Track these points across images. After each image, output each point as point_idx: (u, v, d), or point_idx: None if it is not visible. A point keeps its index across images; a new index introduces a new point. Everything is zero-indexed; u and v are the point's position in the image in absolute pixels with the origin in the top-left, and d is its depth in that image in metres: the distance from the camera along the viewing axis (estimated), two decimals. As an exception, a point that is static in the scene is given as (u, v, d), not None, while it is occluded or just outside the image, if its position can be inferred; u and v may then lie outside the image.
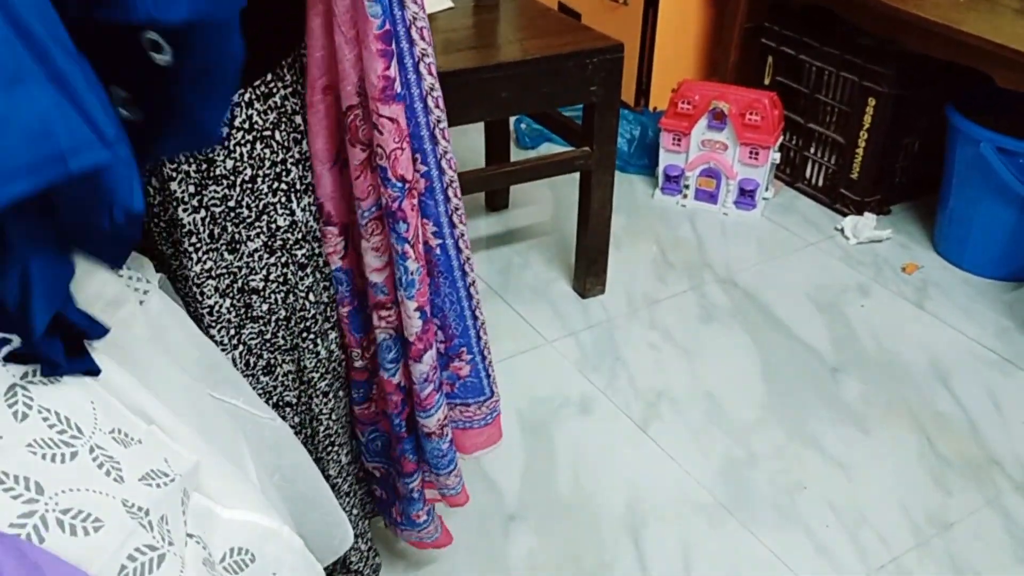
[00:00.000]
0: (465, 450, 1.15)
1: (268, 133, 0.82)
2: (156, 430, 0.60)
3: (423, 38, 0.86)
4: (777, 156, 2.08)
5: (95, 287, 0.68)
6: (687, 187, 2.14)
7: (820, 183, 2.18)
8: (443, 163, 0.95)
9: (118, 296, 0.69)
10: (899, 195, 2.15)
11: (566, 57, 1.53)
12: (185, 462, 0.62)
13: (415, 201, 0.90)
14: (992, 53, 1.64)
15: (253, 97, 0.80)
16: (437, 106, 0.91)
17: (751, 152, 2.04)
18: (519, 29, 1.67)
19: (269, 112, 0.82)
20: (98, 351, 0.59)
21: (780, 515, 1.38)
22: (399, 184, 0.87)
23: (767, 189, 2.11)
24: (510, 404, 1.56)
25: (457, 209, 0.98)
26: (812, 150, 2.17)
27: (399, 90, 0.83)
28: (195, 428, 0.62)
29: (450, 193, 0.97)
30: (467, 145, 2.30)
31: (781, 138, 2.10)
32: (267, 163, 0.83)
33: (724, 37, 2.26)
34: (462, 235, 1.00)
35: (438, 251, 0.97)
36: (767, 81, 2.21)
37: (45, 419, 0.52)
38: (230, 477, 0.66)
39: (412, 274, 0.92)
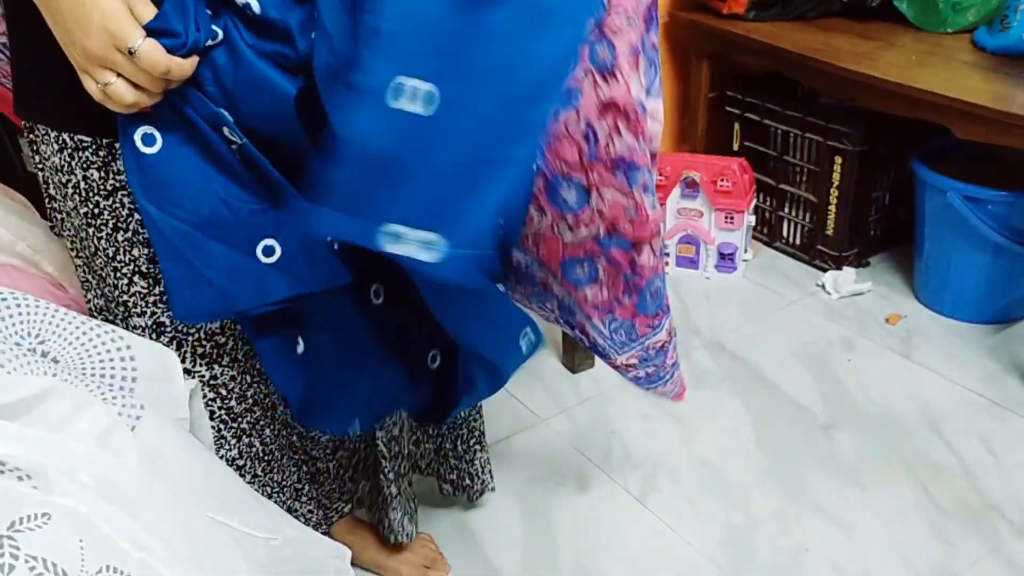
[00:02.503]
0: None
1: None
2: (148, 557, 0.61)
3: None
4: (752, 219, 2.13)
5: (87, 420, 0.70)
6: (668, 255, 2.18)
7: (797, 241, 2.22)
8: None
9: (110, 426, 0.72)
10: (875, 247, 2.19)
11: (536, 143, 1.58)
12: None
13: None
14: (947, 107, 1.69)
15: None
16: None
17: (726, 217, 2.09)
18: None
19: None
20: (89, 487, 0.61)
21: (784, 580, 1.38)
22: None
23: (746, 251, 2.15)
24: (508, 487, 1.57)
25: None
26: (786, 210, 2.22)
27: None
28: (188, 554, 0.63)
29: None
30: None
31: (754, 201, 2.15)
32: None
33: (691, 108, 2.32)
34: None
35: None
36: (736, 147, 2.27)
37: (32, 568, 0.54)
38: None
39: None
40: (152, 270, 0.93)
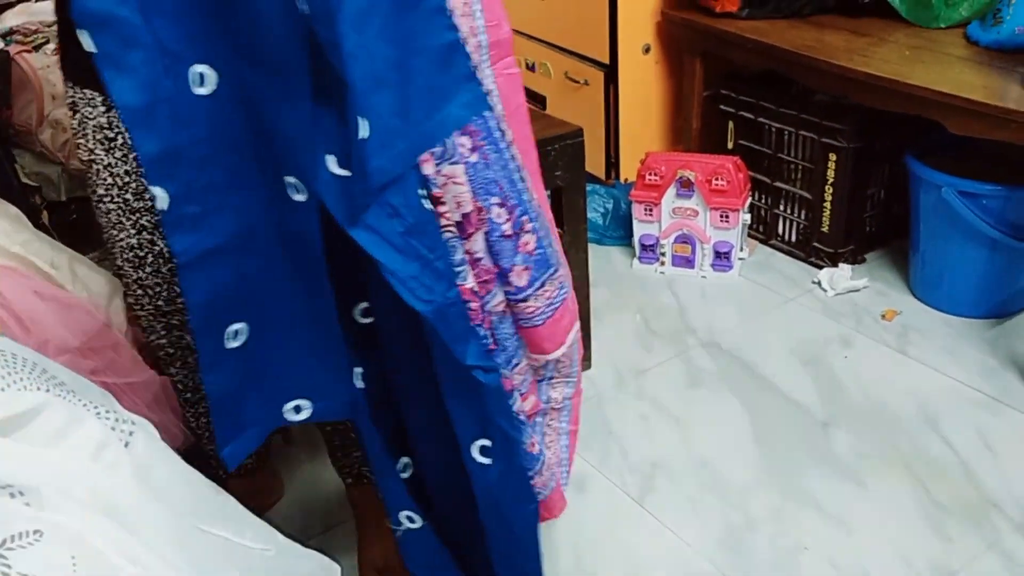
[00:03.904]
0: (559, 340, 1.10)
1: None
2: (142, 572, 0.61)
3: None
4: (747, 217, 2.13)
5: (82, 435, 0.70)
6: (664, 254, 2.18)
7: (793, 239, 2.22)
8: None
9: (103, 441, 0.72)
10: (871, 243, 2.19)
11: (529, 146, 1.58)
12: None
13: None
14: (941, 103, 1.70)
15: None
16: None
17: (721, 216, 2.09)
18: (482, 122, 1.72)
19: None
20: (82, 502, 0.61)
21: (783, 579, 1.38)
22: None
23: (742, 249, 2.15)
24: (506, 490, 1.57)
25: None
26: (782, 207, 2.22)
27: None
28: (183, 567, 0.64)
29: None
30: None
31: (749, 199, 2.15)
32: None
33: (685, 107, 2.32)
34: (496, 91, 0.98)
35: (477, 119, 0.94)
36: (731, 145, 2.27)
37: (24, 586, 0.54)
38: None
39: None
40: None
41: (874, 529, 1.45)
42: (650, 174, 2.12)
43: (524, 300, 1.03)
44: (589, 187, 2.20)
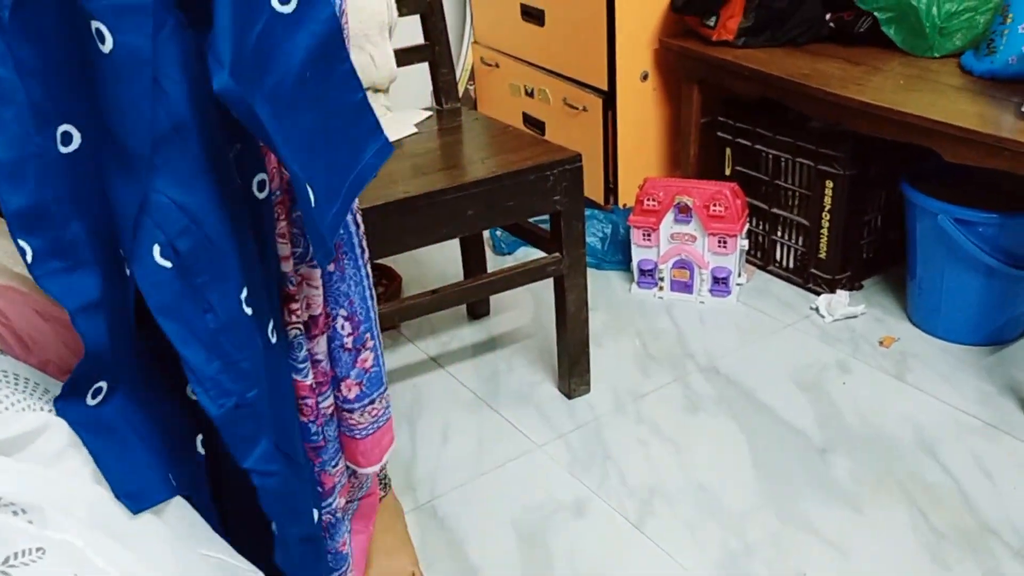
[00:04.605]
0: (374, 460, 1.12)
1: None
2: (143, 591, 0.62)
3: None
4: (745, 243, 2.14)
5: (83, 456, 0.70)
6: (662, 279, 2.19)
7: (791, 265, 2.24)
8: None
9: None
10: (868, 270, 2.20)
11: (528, 171, 1.60)
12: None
13: None
14: (935, 131, 1.71)
15: None
16: None
17: (719, 241, 2.10)
18: (481, 148, 1.74)
19: None
20: (83, 521, 0.61)
21: (782, 605, 1.38)
22: None
23: (740, 275, 2.16)
24: (504, 514, 1.57)
25: None
26: (779, 234, 2.23)
27: None
28: (182, 586, 0.64)
29: None
30: (446, 256, 2.36)
31: (747, 225, 2.16)
32: None
33: (682, 133, 2.34)
34: (358, 208, 1.02)
35: (340, 229, 0.96)
36: (728, 171, 2.29)
37: (28, 603, 0.54)
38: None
39: None
40: None
41: (872, 555, 1.45)
42: (648, 199, 2.13)
43: (351, 411, 1.08)
44: (588, 212, 2.22)
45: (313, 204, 0.78)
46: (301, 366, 0.97)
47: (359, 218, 1.03)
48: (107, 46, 0.67)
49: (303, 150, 0.76)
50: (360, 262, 1.03)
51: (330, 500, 1.08)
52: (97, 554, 0.60)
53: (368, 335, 1.05)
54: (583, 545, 1.51)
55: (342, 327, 1.02)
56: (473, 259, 2.13)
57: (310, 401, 0.99)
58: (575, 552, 1.50)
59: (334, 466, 1.08)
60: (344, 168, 0.83)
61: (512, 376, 1.96)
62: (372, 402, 1.09)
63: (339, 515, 1.11)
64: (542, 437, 1.77)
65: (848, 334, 2.02)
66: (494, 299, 2.22)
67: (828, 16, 2.11)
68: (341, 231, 0.98)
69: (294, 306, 0.95)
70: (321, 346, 1.00)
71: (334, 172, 0.82)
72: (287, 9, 0.73)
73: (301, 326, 0.96)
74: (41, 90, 0.69)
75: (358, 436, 1.10)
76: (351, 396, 1.07)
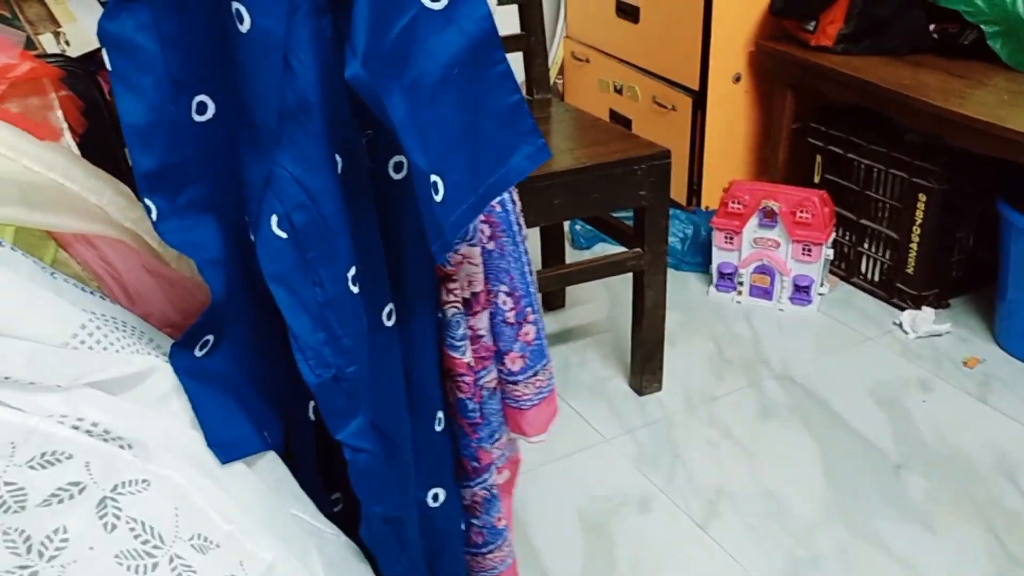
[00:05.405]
0: (540, 429, 1.15)
1: None
2: (236, 531, 0.64)
3: None
4: (830, 252, 2.11)
5: (184, 400, 0.74)
6: (741, 284, 2.17)
7: (876, 278, 2.19)
8: None
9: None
10: (957, 288, 2.15)
11: (615, 164, 1.60)
12: (260, 564, 0.67)
13: None
14: (1039, 148, 1.66)
15: None
16: None
17: (804, 249, 2.07)
18: (570, 139, 1.75)
19: None
20: (184, 459, 0.64)
21: (846, 617, 1.36)
22: None
23: (822, 285, 2.13)
24: (570, 503, 1.58)
25: None
26: (866, 245, 2.19)
27: None
28: (269, 532, 0.67)
29: None
30: (524, 247, 2.37)
31: (833, 234, 2.12)
32: None
33: (772, 138, 2.32)
34: (514, 187, 1.03)
35: (498, 207, 0.99)
36: (817, 179, 2.25)
37: (131, 529, 0.57)
38: (302, 577, 0.70)
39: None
40: None
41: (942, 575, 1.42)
42: (733, 202, 2.11)
43: (515, 383, 1.10)
44: (670, 211, 2.21)
45: (441, 199, 0.78)
46: (459, 344, 1.00)
47: (515, 196, 1.05)
48: (245, 26, 0.70)
49: (440, 145, 0.77)
50: (518, 239, 1.04)
51: (485, 476, 1.11)
52: (196, 492, 0.63)
53: (529, 309, 1.07)
54: (646, 540, 1.51)
55: (503, 303, 1.05)
56: (552, 251, 2.14)
57: (467, 378, 1.02)
58: (638, 546, 1.50)
59: (492, 443, 1.10)
60: (487, 168, 0.84)
61: (584, 369, 1.97)
62: (536, 374, 1.12)
63: (495, 491, 1.13)
64: (611, 431, 1.77)
65: (931, 352, 1.98)
66: (570, 293, 2.23)
67: (932, 27, 2.06)
68: (499, 210, 0.99)
69: (452, 285, 0.97)
70: (483, 322, 1.03)
71: (474, 171, 0.82)
72: (437, 5, 0.74)
73: (460, 304, 0.99)
74: (181, 62, 0.73)
75: (524, 407, 1.12)
76: (515, 368, 1.09)
